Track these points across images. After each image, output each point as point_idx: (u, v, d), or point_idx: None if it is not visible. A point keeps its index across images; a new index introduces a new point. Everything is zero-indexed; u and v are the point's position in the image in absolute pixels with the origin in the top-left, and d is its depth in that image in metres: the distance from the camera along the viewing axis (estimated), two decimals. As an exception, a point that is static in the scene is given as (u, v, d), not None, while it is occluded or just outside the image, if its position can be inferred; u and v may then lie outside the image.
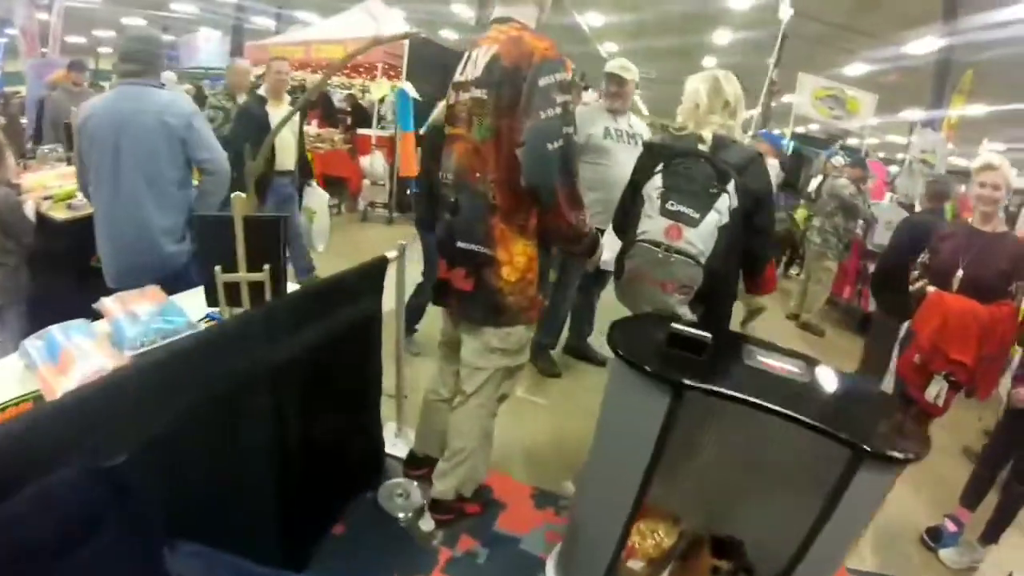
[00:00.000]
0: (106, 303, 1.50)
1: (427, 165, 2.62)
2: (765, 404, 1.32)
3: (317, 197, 4.32)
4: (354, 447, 2.02)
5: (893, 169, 7.87)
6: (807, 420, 1.29)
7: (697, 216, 1.63)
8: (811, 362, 1.59)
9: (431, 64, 6.66)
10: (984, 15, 7.85)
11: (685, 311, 1.71)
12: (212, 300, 1.49)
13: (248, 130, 3.56)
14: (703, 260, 1.63)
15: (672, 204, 1.64)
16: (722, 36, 14.21)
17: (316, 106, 7.54)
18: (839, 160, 6.48)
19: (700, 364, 1.43)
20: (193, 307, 1.60)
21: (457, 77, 1.73)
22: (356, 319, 1.73)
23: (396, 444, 2.41)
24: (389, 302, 2.06)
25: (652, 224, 1.67)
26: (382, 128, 7.03)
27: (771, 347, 1.65)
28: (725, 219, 1.64)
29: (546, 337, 3.40)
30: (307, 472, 1.64)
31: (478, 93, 1.61)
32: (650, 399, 1.40)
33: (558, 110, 1.49)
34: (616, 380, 1.54)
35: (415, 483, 2.16)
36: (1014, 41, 8.24)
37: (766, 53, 10.74)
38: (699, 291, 1.66)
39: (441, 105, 2.30)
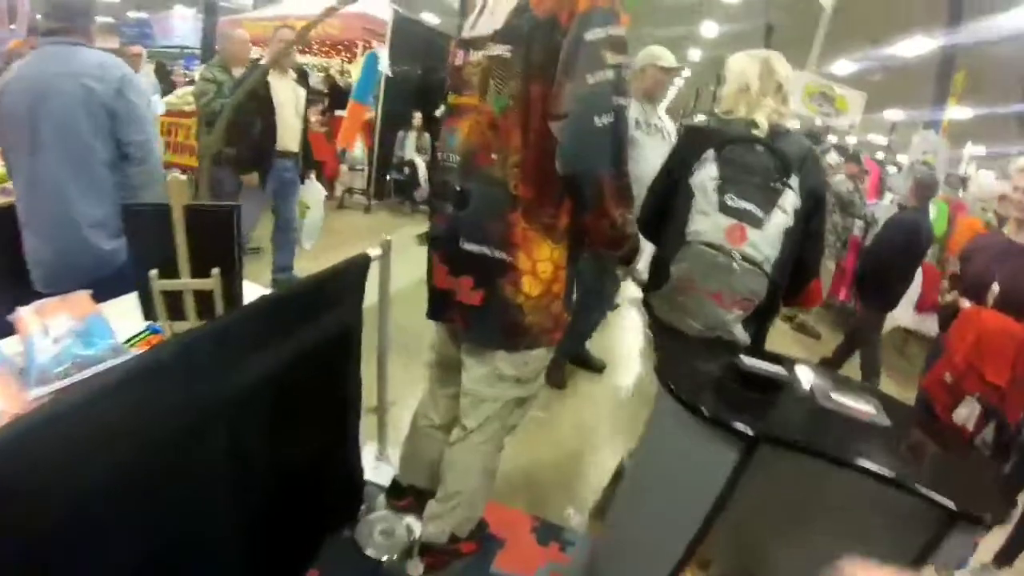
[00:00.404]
0: (23, 315, 1.16)
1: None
2: (867, 467, 1.08)
3: (313, 191, 3.91)
4: (329, 479, 1.72)
5: (891, 169, 7.78)
6: (911, 485, 1.05)
7: (761, 215, 1.38)
8: (882, 399, 1.37)
9: (415, 44, 6.30)
10: (980, 20, 7.73)
11: (739, 330, 1.46)
12: (150, 311, 1.18)
13: (248, 103, 3.24)
14: (768, 268, 1.38)
15: (732, 199, 1.38)
16: (709, 28, 14.06)
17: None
18: (834, 157, 6.35)
19: (767, 405, 1.20)
20: (132, 316, 1.29)
21: (466, 32, 1.39)
22: (331, 333, 1.41)
23: (377, 468, 2.11)
24: (372, 295, 1.75)
25: (707, 223, 1.40)
26: (361, 111, 6.65)
27: (832, 376, 1.43)
28: (791, 221, 1.39)
29: (568, 347, 3.08)
30: (274, 516, 1.35)
31: (498, 51, 1.24)
32: (713, 450, 1.16)
33: (610, 74, 1.13)
34: (666, 420, 1.28)
35: (401, 517, 1.86)
36: (1000, 44, 8.19)
37: (752, 46, 10.60)
38: (756, 307, 1.41)
39: None
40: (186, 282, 1.12)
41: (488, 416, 1.51)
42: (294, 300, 1.27)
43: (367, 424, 1.95)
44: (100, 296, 1.31)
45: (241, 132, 3.38)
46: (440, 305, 1.48)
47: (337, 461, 1.76)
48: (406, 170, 6.69)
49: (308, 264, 4.15)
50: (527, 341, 1.40)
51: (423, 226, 5.86)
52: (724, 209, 1.39)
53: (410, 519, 1.84)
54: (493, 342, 1.41)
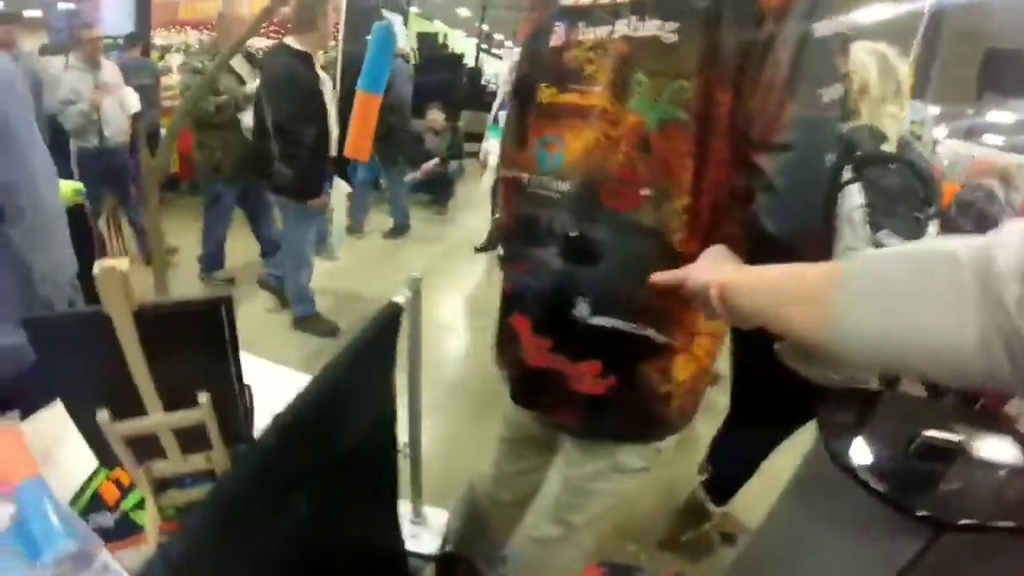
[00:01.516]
0: None
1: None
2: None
3: (337, 191, 3.31)
4: (375, 568, 1.37)
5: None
6: None
7: None
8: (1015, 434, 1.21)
9: (370, 20, 5.71)
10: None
11: (873, 380, 1.29)
12: (108, 459, 0.76)
13: (296, 100, 2.60)
14: None
15: (888, 236, 1.14)
16: None
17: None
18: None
19: (941, 477, 1.02)
20: (68, 438, 0.85)
21: None
22: (368, 433, 1.01)
23: (416, 536, 1.76)
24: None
25: None
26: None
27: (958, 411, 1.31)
28: None
29: None
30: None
31: (651, 30, 0.81)
32: (889, 536, 0.97)
33: (838, 91, 0.78)
34: (822, 490, 1.14)
35: None
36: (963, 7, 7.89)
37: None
38: None
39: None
40: (158, 420, 0.70)
41: (600, 510, 1.16)
42: (318, 417, 0.84)
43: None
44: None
45: (295, 143, 2.69)
46: (533, 389, 1.07)
47: (382, 547, 1.41)
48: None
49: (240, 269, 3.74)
50: (665, 432, 1.04)
51: (381, 216, 5.49)
52: (877, 247, 1.14)
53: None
54: (615, 434, 1.05)
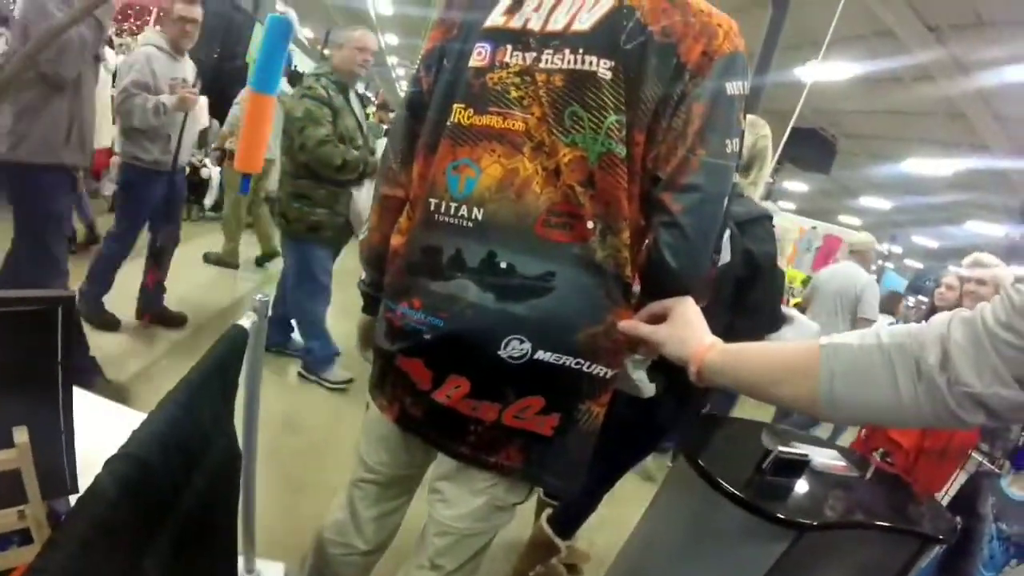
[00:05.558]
0: None
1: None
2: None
3: None
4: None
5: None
6: (927, 533, 1.21)
7: None
8: (840, 449, 1.46)
9: (211, 23, 5.23)
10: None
11: (642, 376, 1.26)
12: None
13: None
14: None
15: None
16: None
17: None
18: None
19: (795, 486, 1.19)
20: None
21: (500, 15, 0.91)
22: (213, 465, 0.83)
23: (250, 593, 1.54)
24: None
25: None
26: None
27: (791, 434, 1.47)
28: None
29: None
30: None
31: (589, 64, 0.83)
32: (754, 541, 1.10)
33: (737, 144, 0.85)
34: (694, 504, 1.23)
35: None
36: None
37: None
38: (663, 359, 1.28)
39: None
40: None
41: (475, 551, 1.09)
42: (163, 462, 0.65)
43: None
44: None
45: None
46: (443, 426, 0.96)
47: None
48: (204, 171, 5.57)
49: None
50: (584, 467, 1.02)
51: (212, 237, 4.92)
52: None
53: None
54: (552, 471, 0.99)
